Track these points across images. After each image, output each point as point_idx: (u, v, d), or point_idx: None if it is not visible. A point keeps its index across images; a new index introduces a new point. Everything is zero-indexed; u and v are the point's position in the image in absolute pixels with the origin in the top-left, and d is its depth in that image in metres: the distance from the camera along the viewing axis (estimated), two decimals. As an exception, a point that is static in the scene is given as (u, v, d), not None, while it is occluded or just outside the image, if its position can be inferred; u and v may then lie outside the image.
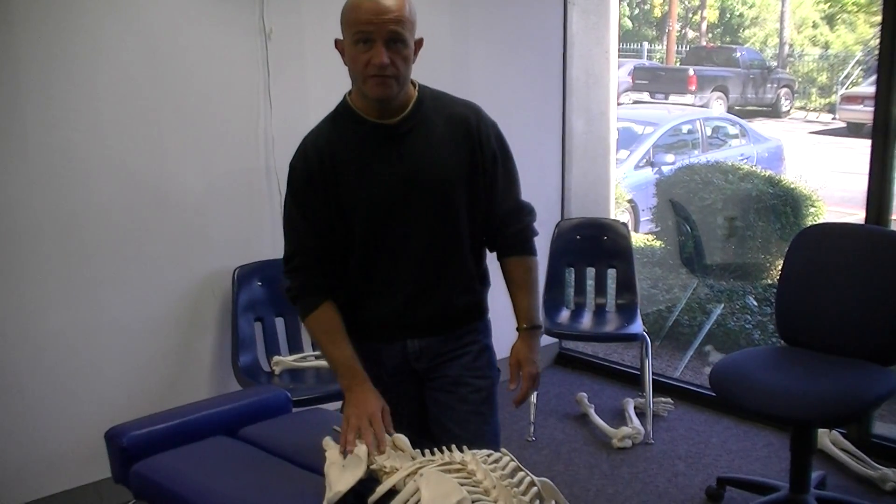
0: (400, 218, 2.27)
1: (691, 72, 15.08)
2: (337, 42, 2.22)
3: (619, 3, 5.87)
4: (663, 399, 4.38)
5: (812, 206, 6.01)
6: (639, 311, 4.40)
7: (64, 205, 3.22)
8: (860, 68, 15.03)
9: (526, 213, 2.44)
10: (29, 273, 3.18)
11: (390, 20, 2.10)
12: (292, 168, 2.31)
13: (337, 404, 2.30)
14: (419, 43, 2.22)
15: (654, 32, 21.14)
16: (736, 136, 9.23)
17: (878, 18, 3.61)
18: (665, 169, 7.48)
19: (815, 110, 15.65)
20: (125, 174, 3.36)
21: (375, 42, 2.11)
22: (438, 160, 2.27)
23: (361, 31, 2.11)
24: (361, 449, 2.13)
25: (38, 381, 3.25)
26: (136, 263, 3.44)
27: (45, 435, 3.29)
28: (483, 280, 2.46)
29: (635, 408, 4.31)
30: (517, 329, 2.44)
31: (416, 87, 2.30)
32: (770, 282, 5.66)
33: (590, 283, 4.67)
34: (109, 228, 3.34)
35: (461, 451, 2.07)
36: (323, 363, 3.64)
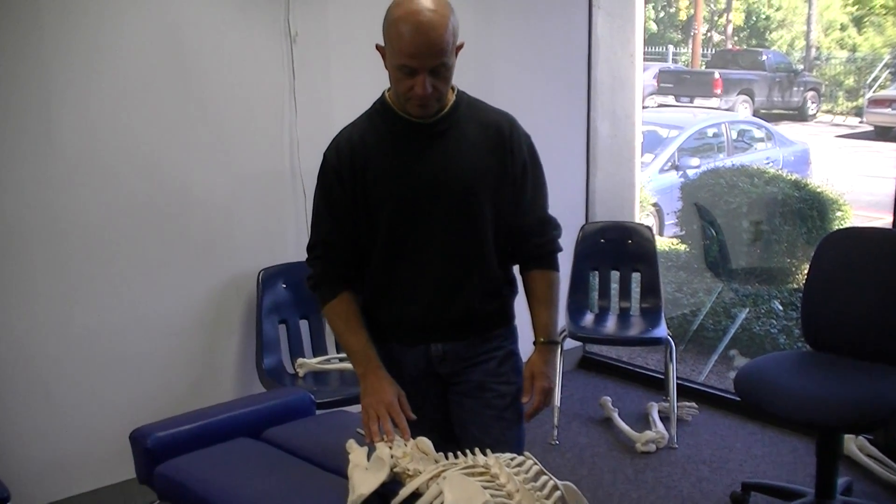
0: (425, 217, 2.28)
1: (717, 75, 14.97)
2: (378, 47, 2.22)
3: (645, 7, 5.85)
4: (687, 403, 4.36)
5: (839, 210, 5.97)
6: (663, 314, 4.37)
7: (89, 205, 3.25)
8: (888, 71, 14.88)
9: (552, 227, 2.42)
10: (54, 273, 3.21)
11: (435, 54, 2.09)
12: (325, 159, 2.32)
13: (360, 407, 2.30)
14: (460, 46, 2.20)
15: (679, 35, 21.03)
16: (762, 140, 9.17)
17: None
18: (690, 172, 7.46)
19: (841, 114, 15.49)
20: (151, 176, 3.38)
21: (419, 73, 2.11)
22: (468, 163, 2.28)
23: (405, 66, 2.10)
24: (384, 451, 2.13)
25: (63, 381, 3.28)
26: (161, 265, 3.46)
27: (71, 435, 3.32)
28: (510, 286, 2.45)
29: (659, 412, 4.29)
30: (534, 343, 2.43)
31: (455, 91, 2.30)
32: (796, 286, 5.62)
33: (614, 286, 4.66)
34: (135, 230, 3.37)
35: (484, 454, 2.07)
36: (346, 365, 3.65)
